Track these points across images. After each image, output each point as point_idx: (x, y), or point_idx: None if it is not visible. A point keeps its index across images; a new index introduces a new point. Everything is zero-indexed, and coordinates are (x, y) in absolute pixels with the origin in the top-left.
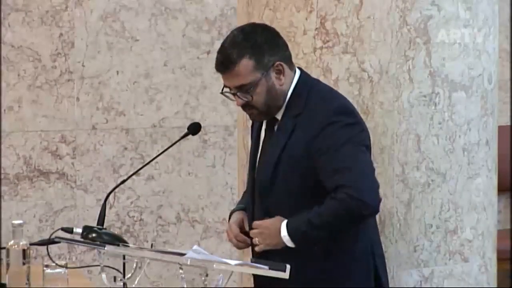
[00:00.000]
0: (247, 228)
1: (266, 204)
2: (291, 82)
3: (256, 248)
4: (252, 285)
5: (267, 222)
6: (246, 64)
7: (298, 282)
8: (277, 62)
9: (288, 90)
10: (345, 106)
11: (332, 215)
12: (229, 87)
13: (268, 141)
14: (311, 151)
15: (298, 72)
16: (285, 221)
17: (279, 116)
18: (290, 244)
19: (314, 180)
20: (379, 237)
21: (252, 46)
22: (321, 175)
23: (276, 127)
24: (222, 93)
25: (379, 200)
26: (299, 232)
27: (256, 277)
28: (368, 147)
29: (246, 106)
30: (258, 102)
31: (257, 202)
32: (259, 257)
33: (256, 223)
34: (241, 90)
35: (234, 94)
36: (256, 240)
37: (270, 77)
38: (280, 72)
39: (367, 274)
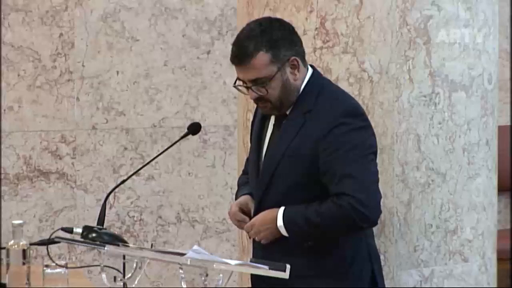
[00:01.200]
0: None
1: (265, 197)
2: (304, 79)
3: (262, 241)
4: (252, 285)
5: (259, 219)
6: (262, 57)
7: (294, 283)
8: (293, 57)
9: (300, 86)
10: (355, 108)
11: (330, 219)
12: (242, 81)
13: (275, 134)
14: (317, 150)
15: (310, 70)
16: (281, 210)
17: (288, 111)
18: (284, 233)
19: (315, 179)
20: (375, 241)
21: (269, 40)
22: (325, 177)
23: (284, 122)
24: (234, 86)
25: (380, 213)
26: (294, 225)
27: (253, 277)
28: (375, 154)
29: (259, 100)
30: (273, 96)
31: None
32: (261, 258)
33: (249, 224)
34: (256, 83)
35: (247, 88)
36: (256, 239)
37: (285, 71)
38: (295, 67)
39: (364, 278)
